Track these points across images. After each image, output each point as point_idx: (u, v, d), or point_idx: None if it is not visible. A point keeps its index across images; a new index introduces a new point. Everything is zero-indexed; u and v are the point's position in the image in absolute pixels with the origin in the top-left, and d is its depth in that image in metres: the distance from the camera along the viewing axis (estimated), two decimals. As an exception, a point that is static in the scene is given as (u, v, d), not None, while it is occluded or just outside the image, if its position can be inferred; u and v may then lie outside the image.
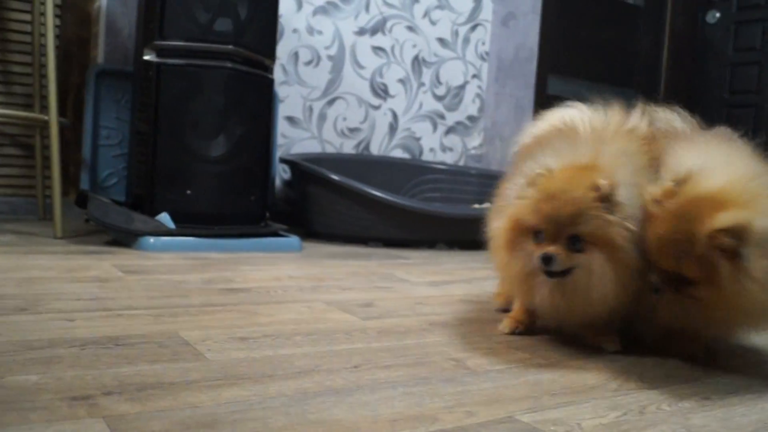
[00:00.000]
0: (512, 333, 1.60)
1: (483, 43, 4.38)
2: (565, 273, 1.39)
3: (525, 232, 1.43)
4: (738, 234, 1.24)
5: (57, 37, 2.85)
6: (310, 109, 3.74)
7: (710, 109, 5.22)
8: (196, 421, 0.96)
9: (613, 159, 1.42)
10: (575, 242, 1.37)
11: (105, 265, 2.16)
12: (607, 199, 1.34)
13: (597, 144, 1.45)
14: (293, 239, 2.83)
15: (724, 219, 1.24)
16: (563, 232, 1.37)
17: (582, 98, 1.70)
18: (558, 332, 1.58)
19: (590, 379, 1.30)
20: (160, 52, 2.64)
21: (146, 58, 2.66)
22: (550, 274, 1.40)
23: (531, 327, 1.62)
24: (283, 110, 3.62)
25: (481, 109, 4.40)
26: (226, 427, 0.95)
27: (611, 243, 1.35)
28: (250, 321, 1.58)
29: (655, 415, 1.12)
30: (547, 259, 1.37)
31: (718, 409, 1.17)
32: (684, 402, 1.20)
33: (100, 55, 3.23)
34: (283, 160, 3.43)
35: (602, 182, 1.34)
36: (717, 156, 1.37)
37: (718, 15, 5.32)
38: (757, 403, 1.22)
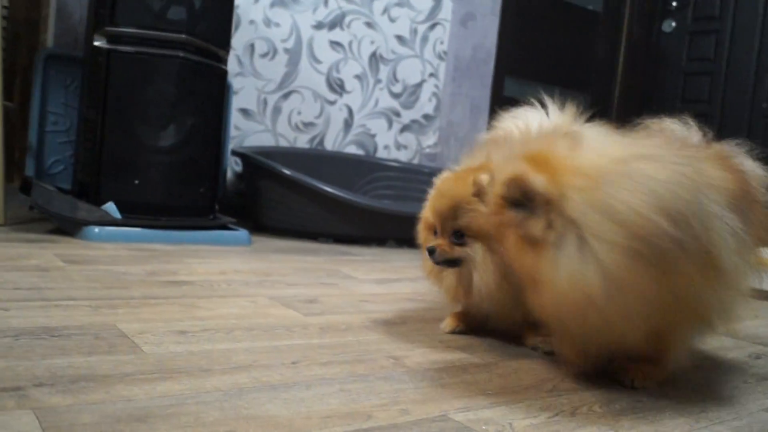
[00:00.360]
0: (453, 332, 1.61)
1: (441, 42, 4.38)
2: (454, 263, 1.48)
3: (430, 229, 1.55)
4: (515, 186, 1.17)
5: (5, 18, 2.81)
6: (265, 101, 3.72)
7: (662, 116, 5.27)
8: (128, 415, 0.95)
9: (504, 159, 1.40)
10: (458, 236, 1.46)
11: (47, 254, 2.13)
12: (484, 194, 1.36)
13: (495, 147, 1.46)
14: (242, 233, 2.81)
15: (510, 169, 1.20)
16: (448, 226, 1.47)
17: (535, 101, 1.71)
18: (499, 333, 1.59)
19: (526, 379, 1.31)
20: (111, 38, 2.60)
21: (96, 44, 2.61)
22: (440, 263, 1.50)
23: (472, 326, 1.62)
24: (237, 102, 3.60)
25: (437, 108, 4.41)
26: (158, 421, 0.94)
27: (487, 235, 1.38)
28: (191, 315, 1.57)
29: (586, 417, 1.14)
30: (430, 251, 1.49)
31: (649, 412, 1.20)
32: (616, 404, 1.22)
33: (49, 38, 3.18)
34: (235, 153, 3.41)
35: (481, 177, 1.37)
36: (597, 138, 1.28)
37: (674, 24, 5.37)
38: (685, 406, 1.25)
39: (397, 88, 4.22)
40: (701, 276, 1.16)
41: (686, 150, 1.27)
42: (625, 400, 1.24)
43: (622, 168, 1.13)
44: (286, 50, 3.78)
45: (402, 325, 1.66)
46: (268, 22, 3.69)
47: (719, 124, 4.95)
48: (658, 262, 1.10)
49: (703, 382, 1.43)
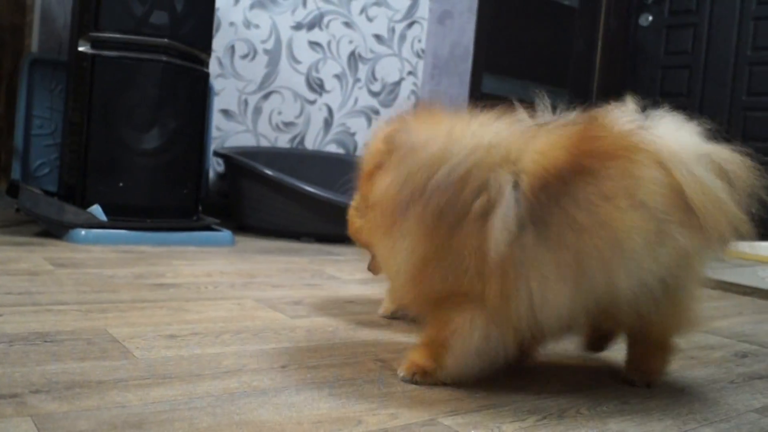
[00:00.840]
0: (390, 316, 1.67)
1: (419, 41, 4.40)
2: None
3: None
4: (389, 140, 1.21)
5: (-10, 24, 2.83)
6: (246, 102, 3.74)
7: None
8: (123, 421, 0.97)
9: None
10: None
11: (35, 257, 2.15)
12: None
13: None
14: (225, 233, 2.84)
15: (385, 130, 1.24)
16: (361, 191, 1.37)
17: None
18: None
19: (512, 381, 1.31)
20: (95, 43, 2.63)
21: (81, 49, 2.64)
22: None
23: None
24: (218, 103, 3.62)
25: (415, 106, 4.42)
26: (153, 428, 0.96)
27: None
28: (179, 318, 1.59)
29: (573, 420, 1.14)
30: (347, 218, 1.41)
31: (636, 414, 1.20)
32: (603, 406, 1.23)
33: (34, 43, 3.19)
34: (217, 154, 3.42)
35: (391, 129, 1.26)
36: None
37: (650, 18, 5.41)
38: (673, 408, 1.25)
39: (376, 87, 4.24)
40: (475, 253, 1.14)
41: (512, 130, 1.21)
42: (612, 402, 1.25)
43: (423, 140, 1.18)
44: (266, 51, 3.80)
45: (387, 327, 1.68)
46: (247, 24, 3.71)
47: (699, 117, 4.98)
48: (424, 226, 1.14)
49: (690, 383, 1.42)
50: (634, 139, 1.22)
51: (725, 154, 1.28)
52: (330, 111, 4.06)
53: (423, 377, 1.25)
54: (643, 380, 1.36)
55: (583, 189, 1.15)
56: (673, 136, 1.28)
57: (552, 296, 1.15)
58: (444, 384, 1.24)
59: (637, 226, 1.16)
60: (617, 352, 1.42)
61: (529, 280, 1.14)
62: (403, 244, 1.15)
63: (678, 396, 1.33)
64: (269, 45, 3.80)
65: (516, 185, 1.13)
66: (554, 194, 1.13)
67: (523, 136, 1.19)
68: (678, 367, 1.51)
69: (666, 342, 1.38)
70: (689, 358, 1.62)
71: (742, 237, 1.26)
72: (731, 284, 2.63)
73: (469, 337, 1.20)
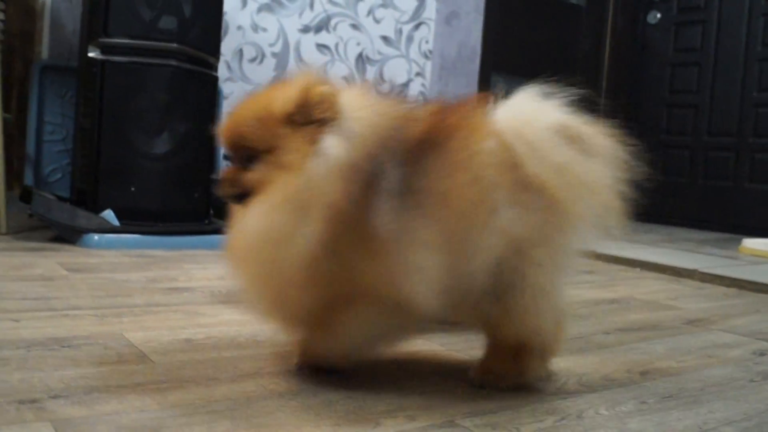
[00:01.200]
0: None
1: (426, 42, 4.41)
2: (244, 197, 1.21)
3: None
4: (326, 99, 1.12)
5: (0, 31, 2.83)
6: (255, 105, 3.74)
7: (650, 108, 5.31)
8: (142, 425, 0.98)
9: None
10: (249, 160, 1.17)
11: (50, 262, 2.16)
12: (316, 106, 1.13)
13: None
14: (237, 237, 2.83)
15: (320, 87, 1.13)
16: (237, 149, 1.21)
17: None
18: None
19: (530, 381, 1.30)
20: (105, 49, 2.64)
21: (91, 54, 2.65)
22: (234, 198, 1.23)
23: None
24: (227, 107, 3.62)
25: (424, 107, 4.42)
26: (171, 432, 0.96)
27: (284, 162, 1.14)
28: (194, 322, 1.59)
29: (592, 420, 1.14)
30: (217, 181, 1.23)
31: (655, 414, 1.20)
32: (622, 406, 1.22)
33: (44, 50, 3.21)
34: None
35: (326, 88, 1.15)
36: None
37: (658, 16, 5.40)
38: (692, 407, 1.25)
39: (384, 89, 4.24)
40: (355, 240, 1.11)
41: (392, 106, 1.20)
42: (631, 402, 1.24)
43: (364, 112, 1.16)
44: (274, 54, 3.81)
45: (400, 329, 1.67)
46: (255, 27, 3.72)
47: (709, 114, 4.97)
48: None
49: (709, 382, 1.41)
50: (476, 113, 1.20)
51: (583, 124, 1.22)
52: (339, 113, 4.05)
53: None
54: (489, 382, 1.26)
55: (439, 158, 1.13)
56: (521, 109, 1.23)
57: (431, 264, 1.11)
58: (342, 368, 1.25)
59: (475, 201, 1.13)
60: (630, 353, 1.41)
61: (412, 247, 1.10)
62: (310, 227, 1.09)
63: (697, 395, 1.32)
64: (277, 48, 3.81)
65: (395, 153, 1.12)
66: (417, 161, 1.12)
67: (403, 113, 1.19)
68: (696, 366, 1.50)
69: (517, 344, 1.25)
70: (707, 356, 1.61)
71: (616, 215, 1.17)
72: (747, 282, 2.61)
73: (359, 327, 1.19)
